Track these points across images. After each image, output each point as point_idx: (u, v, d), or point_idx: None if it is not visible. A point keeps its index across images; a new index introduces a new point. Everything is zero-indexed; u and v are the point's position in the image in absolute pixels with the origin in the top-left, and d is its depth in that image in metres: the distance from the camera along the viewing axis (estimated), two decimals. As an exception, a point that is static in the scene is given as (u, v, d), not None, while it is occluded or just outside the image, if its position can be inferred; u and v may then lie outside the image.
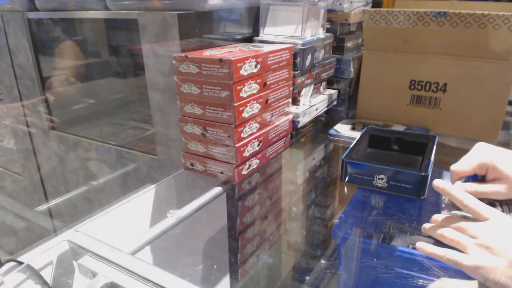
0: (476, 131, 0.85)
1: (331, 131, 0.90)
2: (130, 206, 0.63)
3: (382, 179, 0.64)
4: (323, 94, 1.00)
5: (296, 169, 0.83)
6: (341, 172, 0.68)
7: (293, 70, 0.81)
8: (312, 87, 0.93)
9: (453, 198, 0.45)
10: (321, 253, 0.61)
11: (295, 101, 0.87)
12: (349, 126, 0.93)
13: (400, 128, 0.90)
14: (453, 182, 0.52)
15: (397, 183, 0.63)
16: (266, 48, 0.72)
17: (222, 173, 0.68)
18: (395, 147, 0.77)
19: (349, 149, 0.71)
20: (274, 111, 0.75)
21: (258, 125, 0.70)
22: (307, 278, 0.55)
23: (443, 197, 0.51)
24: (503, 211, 0.48)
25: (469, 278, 0.42)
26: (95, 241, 0.49)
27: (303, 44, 0.81)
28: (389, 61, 0.91)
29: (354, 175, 0.67)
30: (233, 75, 0.60)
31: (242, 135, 0.66)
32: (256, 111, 0.68)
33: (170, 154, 0.88)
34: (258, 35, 0.86)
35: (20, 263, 0.45)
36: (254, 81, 0.66)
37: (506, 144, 0.83)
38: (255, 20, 0.90)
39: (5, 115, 1.28)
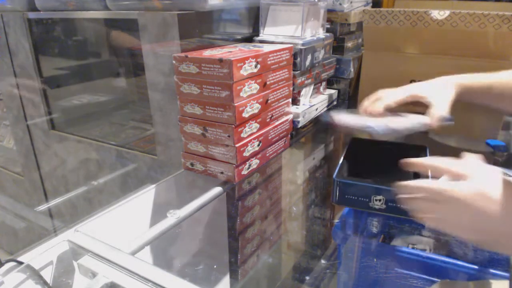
0: (476, 131, 0.85)
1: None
2: (130, 206, 0.63)
3: (380, 200, 0.59)
4: (323, 94, 1.00)
5: (296, 169, 0.84)
6: (333, 192, 0.62)
7: (293, 70, 0.81)
8: (312, 87, 0.93)
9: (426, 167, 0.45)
10: (321, 253, 0.61)
11: (295, 101, 0.87)
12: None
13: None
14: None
15: (397, 204, 0.57)
16: (266, 48, 0.72)
17: (222, 173, 0.68)
18: (384, 159, 0.69)
19: (338, 166, 0.65)
20: (274, 111, 0.75)
21: (258, 125, 0.70)
22: (307, 278, 0.55)
23: None
24: None
25: (470, 279, 0.42)
26: (95, 241, 0.49)
27: (303, 44, 0.81)
28: (389, 61, 0.91)
29: (348, 197, 0.60)
30: (233, 75, 0.60)
31: (242, 135, 0.66)
32: (256, 111, 0.68)
33: (170, 154, 0.88)
34: (258, 35, 0.86)
35: (20, 263, 0.45)
36: (254, 81, 0.66)
37: (506, 144, 0.82)
38: (255, 20, 0.90)
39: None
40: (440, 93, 0.59)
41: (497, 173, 0.40)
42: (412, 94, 0.61)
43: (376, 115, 0.60)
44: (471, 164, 0.42)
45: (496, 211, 0.37)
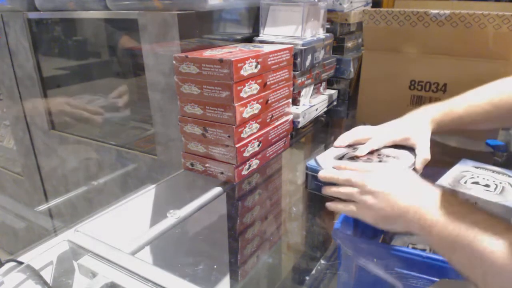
0: (476, 131, 0.85)
1: (310, 163, 0.63)
2: (130, 206, 0.63)
3: None
4: (323, 94, 1.00)
5: (296, 169, 0.84)
6: (306, 180, 0.62)
7: (293, 71, 0.81)
8: (312, 87, 0.93)
9: (334, 178, 0.56)
10: (321, 253, 0.61)
11: (295, 102, 0.87)
12: (335, 154, 0.65)
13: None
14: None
15: None
16: (266, 48, 0.72)
17: (222, 173, 0.68)
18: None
19: (316, 155, 0.65)
20: (274, 112, 0.75)
21: (258, 126, 0.70)
22: (307, 278, 0.55)
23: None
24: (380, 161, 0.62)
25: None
26: (95, 241, 0.49)
27: (303, 45, 0.81)
28: (389, 61, 0.91)
29: (317, 183, 0.59)
30: (233, 75, 0.60)
31: (242, 135, 0.66)
32: (256, 111, 0.68)
33: (170, 154, 0.88)
34: (258, 35, 0.86)
35: (20, 263, 0.45)
36: (254, 81, 0.66)
37: (506, 144, 0.82)
38: (255, 20, 0.90)
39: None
40: (421, 134, 0.65)
41: (386, 174, 0.52)
42: (397, 137, 0.66)
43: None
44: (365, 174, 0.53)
45: (386, 205, 0.48)
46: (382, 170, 0.55)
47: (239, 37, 0.88)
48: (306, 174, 0.64)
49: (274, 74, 0.72)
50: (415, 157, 0.63)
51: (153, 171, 0.94)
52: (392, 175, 0.52)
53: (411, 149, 0.66)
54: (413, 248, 0.56)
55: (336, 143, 0.69)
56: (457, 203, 0.44)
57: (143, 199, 0.66)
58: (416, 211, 0.45)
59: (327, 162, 0.63)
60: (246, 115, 0.65)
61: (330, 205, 0.56)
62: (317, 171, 0.61)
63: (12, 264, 0.44)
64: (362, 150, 0.64)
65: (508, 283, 0.36)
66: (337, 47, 1.04)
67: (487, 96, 0.64)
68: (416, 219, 0.45)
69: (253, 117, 0.68)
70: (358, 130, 0.70)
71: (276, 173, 0.79)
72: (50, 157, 1.21)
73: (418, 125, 0.66)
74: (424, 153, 0.62)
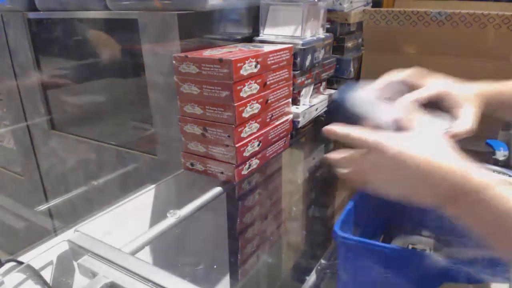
0: (476, 131, 0.85)
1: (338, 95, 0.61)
2: (130, 206, 0.63)
3: None
4: (323, 94, 1.00)
5: (296, 169, 0.84)
6: None
7: (293, 70, 0.81)
8: (312, 87, 0.93)
9: (339, 136, 0.49)
10: (321, 253, 0.61)
11: (295, 101, 0.87)
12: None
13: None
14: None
15: None
16: (266, 48, 0.72)
17: (222, 173, 0.68)
18: None
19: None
20: (274, 111, 0.75)
21: (258, 125, 0.70)
22: (307, 278, 0.55)
23: None
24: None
25: (470, 281, 0.42)
26: (95, 241, 0.49)
27: (303, 44, 0.81)
28: (389, 61, 0.91)
29: None
30: (233, 75, 0.60)
31: (242, 135, 0.66)
32: (256, 111, 0.68)
33: (170, 154, 0.88)
34: (258, 35, 0.86)
35: (20, 263, 0.45)
36: (254, 81, 0.66)
37: (506, 144, 0.82)
38: (255, 20, 0.90)
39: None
40: (473, 104, 0.55)
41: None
42: (445, 90, 0.56)
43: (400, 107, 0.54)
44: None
45: (411, 164, 0.41)
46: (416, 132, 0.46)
47: (239, 37, 0.88)
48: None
49: (274, 74, 0.72)
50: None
51: (153, 171, 0.94)
52: (429, 136, 0.45)
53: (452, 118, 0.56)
54: (413, 248, 0.56)
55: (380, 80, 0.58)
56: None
57: (143, 199, 0.66)
58: (461, 171, 0.40)
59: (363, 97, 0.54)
60: (246, 114, 0.65)
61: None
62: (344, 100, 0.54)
63: (12, 264, 0.44)
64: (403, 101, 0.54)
65: None
66: (337, 47, 1.04)
67: None
68: (460, 180, 0.40)
69: (253, 117, 0.68)
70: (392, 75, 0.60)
71: (276, 173, 0.79)
72: (50, 157, 1.21)
73: (472, 95, 0.57)
74: (469, 121, 0.53)
